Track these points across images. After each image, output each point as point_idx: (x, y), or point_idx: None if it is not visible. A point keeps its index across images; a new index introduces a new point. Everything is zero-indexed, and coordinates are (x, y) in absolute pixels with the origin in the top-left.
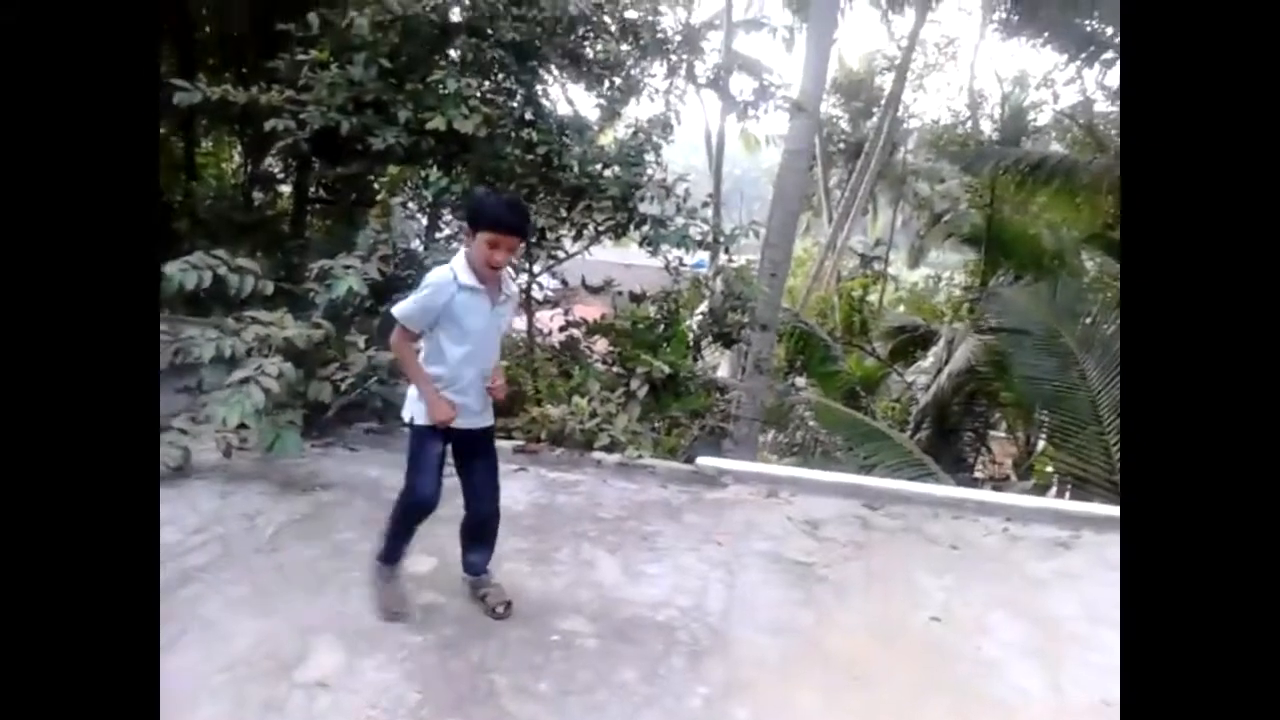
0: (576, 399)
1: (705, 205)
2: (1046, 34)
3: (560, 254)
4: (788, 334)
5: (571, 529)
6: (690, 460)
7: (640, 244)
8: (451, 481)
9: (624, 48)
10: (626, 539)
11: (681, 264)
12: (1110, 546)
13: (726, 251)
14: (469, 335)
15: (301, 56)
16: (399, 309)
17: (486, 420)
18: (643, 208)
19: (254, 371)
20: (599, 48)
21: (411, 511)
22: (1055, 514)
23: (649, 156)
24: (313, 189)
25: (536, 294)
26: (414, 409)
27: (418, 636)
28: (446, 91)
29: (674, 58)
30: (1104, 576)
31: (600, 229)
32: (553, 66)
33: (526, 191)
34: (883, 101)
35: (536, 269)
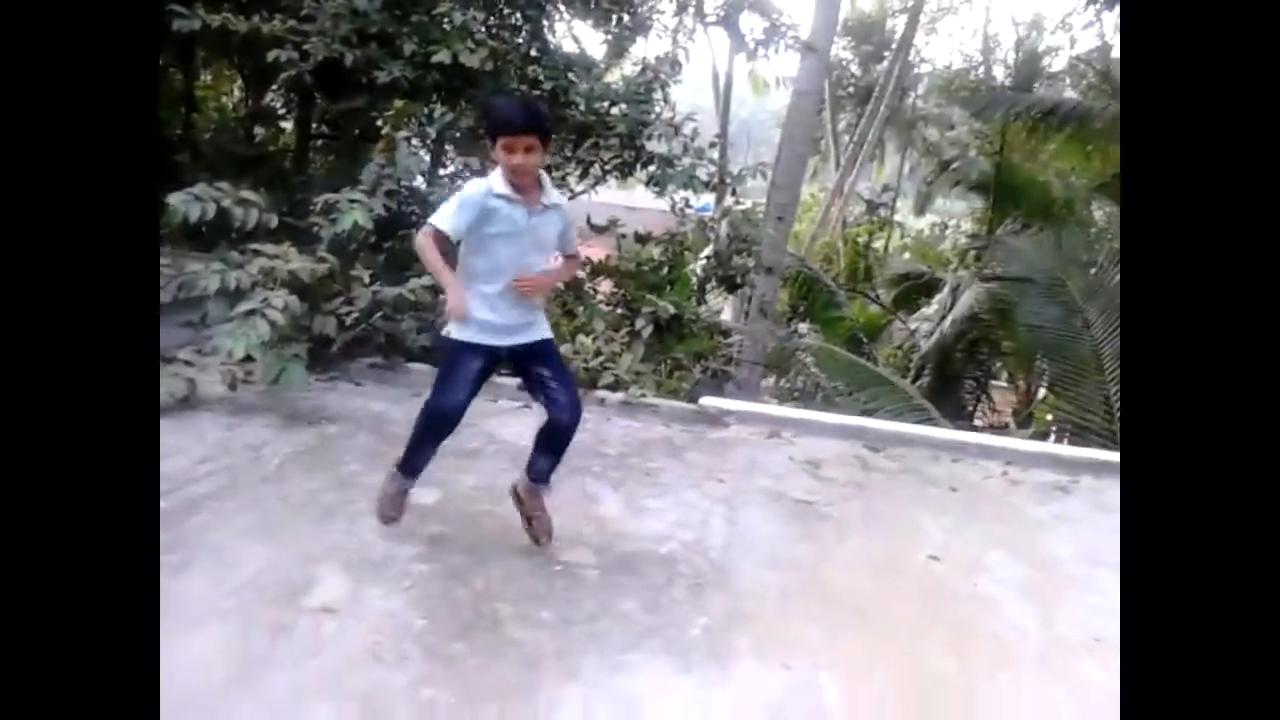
0: (581, 338)
1: (712, 146)
2: None
3: (566, 193)
4: (792, 279)
5: (575, 464)
6: (694, 400)
7: (647, 184)
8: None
9: None
10: (630, 475)
11: (688, 205)
12: (1108, 491)
13: (733, 193)
14: (505, 244)
15: None
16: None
17: (536, 334)
18: (650, 146)
19: (259, 304)
20: None
21: (431, 421)
22: (1054, 459)
23: (657, 95)
24: (315, 124)
25: None
26: (451, 323)
27: (423, 565)
28: (452, 25)
29: None
30: (1101, 520)
31: (606, 168)
32: (559, 2)
33: None
34: (894, 45)
35: None
